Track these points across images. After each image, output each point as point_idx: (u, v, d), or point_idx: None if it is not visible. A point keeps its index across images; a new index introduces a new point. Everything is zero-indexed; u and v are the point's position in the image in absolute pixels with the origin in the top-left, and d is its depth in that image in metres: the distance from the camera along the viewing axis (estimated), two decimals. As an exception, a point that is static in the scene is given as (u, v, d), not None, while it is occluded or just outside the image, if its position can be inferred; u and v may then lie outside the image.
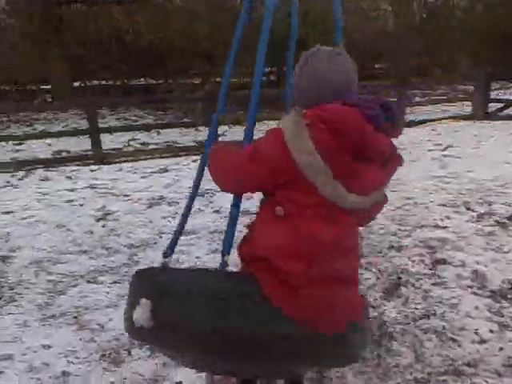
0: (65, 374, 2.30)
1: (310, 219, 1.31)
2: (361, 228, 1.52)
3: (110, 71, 13.10)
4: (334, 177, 1.27)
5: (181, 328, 1.29)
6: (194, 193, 1.82)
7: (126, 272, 3.40)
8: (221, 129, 8.82)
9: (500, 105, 9.34)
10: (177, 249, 3.94)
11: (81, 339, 2.58)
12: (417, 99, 12.70)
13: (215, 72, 13.24)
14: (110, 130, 8.58)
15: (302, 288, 1.31)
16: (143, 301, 1.31)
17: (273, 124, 1.51)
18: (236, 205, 1.55)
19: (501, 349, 2.38)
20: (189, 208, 1.82)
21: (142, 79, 15.31)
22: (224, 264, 1.50)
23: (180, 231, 1.82)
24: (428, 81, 13.45)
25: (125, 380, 2.25)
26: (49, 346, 2.52)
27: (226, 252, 1.51)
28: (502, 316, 2.67)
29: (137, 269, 1.68)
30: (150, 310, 1.29)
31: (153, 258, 3.62)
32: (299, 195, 1.30)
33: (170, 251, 1.76)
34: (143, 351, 2.45)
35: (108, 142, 7.83)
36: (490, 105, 9.37)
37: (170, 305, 1.30)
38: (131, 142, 8.80)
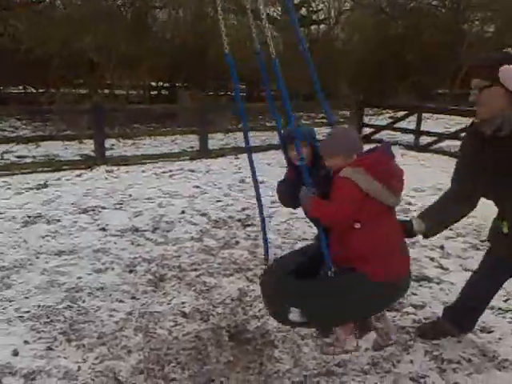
0: None
1: (383, 221, 2.09)
2: None
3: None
4: (389, 191, 2.05)
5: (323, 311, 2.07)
6: (257, 187, 2.38)
7: (-4, 295, 3.13)
8: (107, 142, 8.42)
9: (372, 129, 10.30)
10: (53, 270, 3.68)
11: None
12: (302, 122, 13.55)
13: (102, 83, 12.77)
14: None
15: (391, 261, 2.10)
16: (294, 309, 2.03)
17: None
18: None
19: (366, 349, 2.63)
20: (261, 206, 2.40)
21: (21, 87, 14.24)
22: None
23: (265, 234, 2.47)
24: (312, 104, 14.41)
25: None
26: None
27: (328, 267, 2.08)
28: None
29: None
30: (300, 311, 2.03)
31: (28, 280, 3.37)
32: (373, 207, 2.03)
33: (267, 256, 2.40)
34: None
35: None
36: (365, 129, 10.29)
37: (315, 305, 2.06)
38: (5, 155, 8.09)
